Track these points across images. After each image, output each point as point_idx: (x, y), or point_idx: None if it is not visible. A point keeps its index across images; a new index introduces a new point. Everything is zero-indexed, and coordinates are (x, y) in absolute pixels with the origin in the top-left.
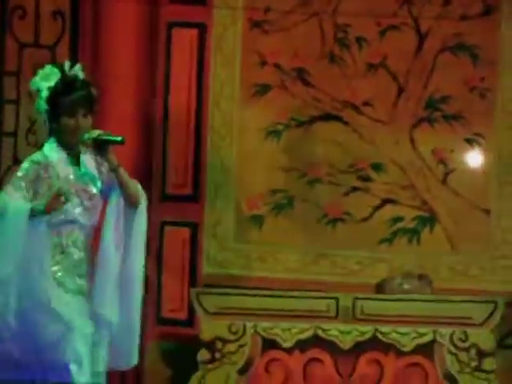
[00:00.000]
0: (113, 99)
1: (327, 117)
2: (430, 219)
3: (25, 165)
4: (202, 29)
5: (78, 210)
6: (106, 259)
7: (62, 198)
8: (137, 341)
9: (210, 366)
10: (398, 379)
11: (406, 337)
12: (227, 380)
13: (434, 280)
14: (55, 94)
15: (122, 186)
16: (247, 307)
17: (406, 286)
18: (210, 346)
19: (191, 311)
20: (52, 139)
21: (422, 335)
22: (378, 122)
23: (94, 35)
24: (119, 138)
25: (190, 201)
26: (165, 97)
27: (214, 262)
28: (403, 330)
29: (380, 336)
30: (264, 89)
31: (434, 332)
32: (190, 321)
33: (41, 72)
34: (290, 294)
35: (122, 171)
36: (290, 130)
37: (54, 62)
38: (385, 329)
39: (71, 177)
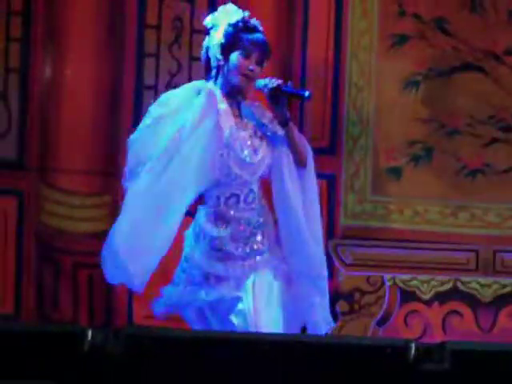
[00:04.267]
0: None
1: (467, 67)
2: None
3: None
4: None
5: (238, 165)
6: (298, 219)
7: None
8: (327, 297)
9: (348, 317)
10: None
11: None
12: (365, 331)
13: None
14: (236, 29)
15: (291, 142)
16: (385, 259)
17: None
18: (349, 297)
19: (329, 263)
20: (214, 84)
21: None
22: None
23: None
24: (306, 93)
25: (328, 153)
26: (302, 49)
27: (352, 214)
28: None
29: None
30: (403, 39)
31: None
32: (329, 273)
33: (221, 8)
34: (429, 246)
35: (292, 126)
36: (429, 81)
37: (193, 14)
38: None
39: (232, 129)
